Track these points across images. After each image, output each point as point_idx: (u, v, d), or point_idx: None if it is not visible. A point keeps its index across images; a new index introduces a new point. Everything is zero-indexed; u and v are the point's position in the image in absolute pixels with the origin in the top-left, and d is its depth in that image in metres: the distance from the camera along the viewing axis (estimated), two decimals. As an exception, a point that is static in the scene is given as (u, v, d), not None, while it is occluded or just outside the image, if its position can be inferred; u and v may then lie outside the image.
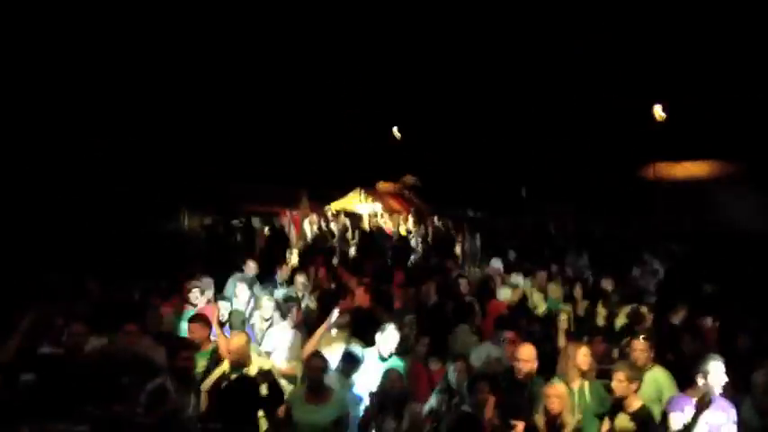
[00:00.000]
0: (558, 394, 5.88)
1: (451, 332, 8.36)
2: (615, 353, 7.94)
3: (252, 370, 6.65)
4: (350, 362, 6.79)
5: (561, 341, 8.05)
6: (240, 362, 6.61)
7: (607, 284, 11.04)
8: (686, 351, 7.56)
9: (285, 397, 6.41)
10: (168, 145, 20.35)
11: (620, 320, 9.21)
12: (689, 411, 5.73)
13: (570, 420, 5.83)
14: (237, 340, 6.75)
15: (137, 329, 7.10)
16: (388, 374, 6.21)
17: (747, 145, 18.66)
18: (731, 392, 6.10)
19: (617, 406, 5.99)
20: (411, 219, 27.11)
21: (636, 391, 5.97)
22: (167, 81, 19.82)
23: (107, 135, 17.82)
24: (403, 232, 24.73)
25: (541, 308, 10.29)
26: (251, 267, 11.14)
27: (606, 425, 6.00)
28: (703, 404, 5.62)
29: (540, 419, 5.91)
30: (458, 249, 19.78)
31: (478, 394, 6.02)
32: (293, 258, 14.82)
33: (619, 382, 5.92)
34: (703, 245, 16.67)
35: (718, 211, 18.46)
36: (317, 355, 6.41)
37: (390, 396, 6.01)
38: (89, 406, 5.97)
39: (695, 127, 20.85)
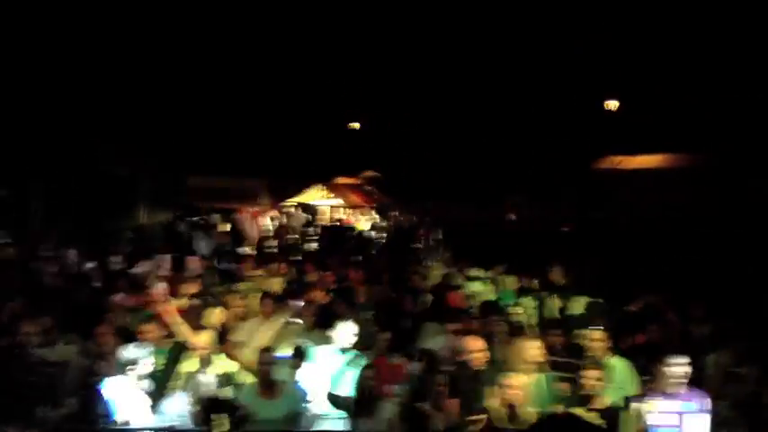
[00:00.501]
0: (516, 385, 5.92)
1: (413, 327, 8.39)
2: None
3: (219, 369, 6.66)
4: (298, 356, 6.82)
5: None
6: (209, 359, 6.64)
7: (558, 275, 11.11)
8: (649, 340, 7.62)
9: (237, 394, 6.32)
10: (126, 139, 20.04)
11: (578, 311, 9.23)
12: (655, 402, 5.75)
13: (528, 412, 5.86)
14: (207, 337, 6.76)
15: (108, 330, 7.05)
16: (364, 372, 6.20)
17: (701, 137, 19.02)
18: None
19: (579, 401, 6.01)
20: (372, 213, 27.20)
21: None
22: (124, 73, 19.48)
23: (61, 129, 17.44)
24: (365, 226, 24.80)
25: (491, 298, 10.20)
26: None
27: None
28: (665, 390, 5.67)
29: (499, 411, 5.94)
30: (420, 243, 19.89)
31: (436, 388, 6.01)
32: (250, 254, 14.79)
33: (589, 379, 5.96)
34: (658, 235, 16.98)
35: (671, 202, 18.81)
36: (266, 350, 6.41)
37: (365, 395, 6.03)
38: (39, 409, 5.92)
39: (649, 120, 21.21)
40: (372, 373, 6.14)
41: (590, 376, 5.94)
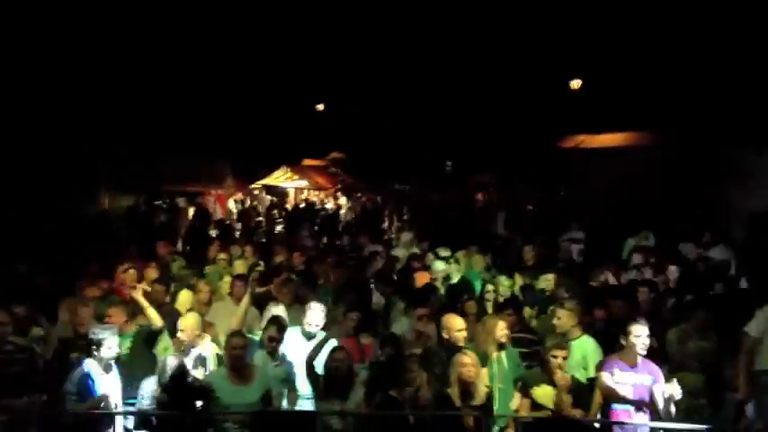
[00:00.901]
0: (470, 363, 5.96)
1: (383, 308, 8.44)
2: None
3: (199, 351, 6.71)
4: (280, 329, 6.76)
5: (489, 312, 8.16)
6: (191, 343, 6.66)
7: (529, 254, 11.23)
8: (615, 314, 7.74)
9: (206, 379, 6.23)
10: (87, 121, 19.65)
11: (545, 287, 9.29)
12: (618, 373, 5.89)
13: (483, 389, 5.91)
14: (191, 320, 6.79)
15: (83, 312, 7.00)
16: (333, 354, 6.14)
17: (663, 115, 19.23)
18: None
19: (544, 378, 6.09)
20: (338, 194, 27.17)
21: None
22: (85, 54, 19.07)
23: (19, 111, 17.05)
24: (330, 207, 24.78)
25: (455, 278, 10.27)
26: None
27: (517, 398, 6.17)
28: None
29: (453, 389, 5.97)
30: (386, 223, 19.91)
31: (408, 373, 5.99)
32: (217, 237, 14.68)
33: (555, 358, 6.04)
34: (621, 212, 17.21)
35: (635, 179, 19.05)
36: (236, 333, 6.31)
37: (337, 375, 5.99)
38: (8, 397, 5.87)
39: (612, 98, 21.42)
40: (343, 355, 6.10)
41: (556, 354, 6.03)
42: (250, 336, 6.95)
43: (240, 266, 9.99)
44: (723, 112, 17.28)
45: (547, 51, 23.15)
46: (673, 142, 18.68)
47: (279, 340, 6.67)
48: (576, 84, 22.54)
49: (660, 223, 14.62)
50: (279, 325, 6.76)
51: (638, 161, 19.27)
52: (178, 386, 5.80)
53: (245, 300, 7.27)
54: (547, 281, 9.21)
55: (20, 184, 16.40)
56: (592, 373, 6.44)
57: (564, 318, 6.89)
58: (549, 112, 23.73)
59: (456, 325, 6.73)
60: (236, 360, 5.96)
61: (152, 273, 8.97)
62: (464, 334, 6.72)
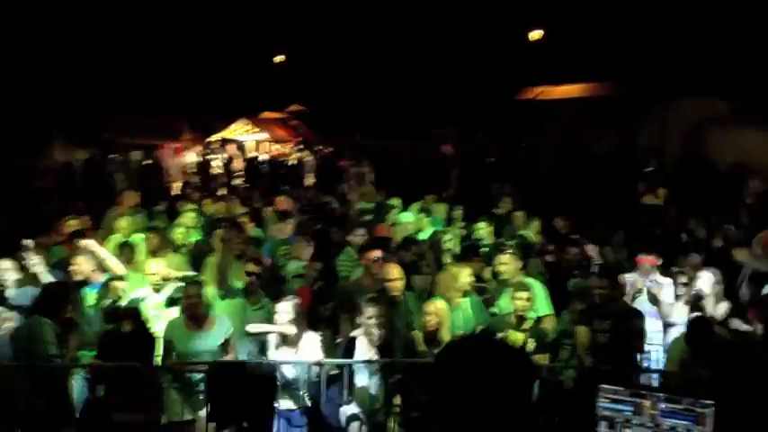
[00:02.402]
0: (435, 311, 6.03)
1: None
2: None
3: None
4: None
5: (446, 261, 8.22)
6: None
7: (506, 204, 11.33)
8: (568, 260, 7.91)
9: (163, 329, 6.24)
10: (38, 73, 19.11)
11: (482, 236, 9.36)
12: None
13: (447, 336, 5.98)
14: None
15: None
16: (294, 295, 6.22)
17: (626, 67, 19.32)
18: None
19: (509, 322, 6.19)
20: (299, 147, 26.93)
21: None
22: (42, 9, 18.48)
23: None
24: (292, 160, 24.63)
25: (428, 230, 10.32)
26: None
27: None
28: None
29: (417, 335, 6.06)
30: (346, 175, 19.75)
31: (366, 316, 6.02)
32: (175, 190, 14.49)
33: (520, 300, 6.13)
34: (580, 164, 17.38)
35: (595, 131, 19.20)
36: (192, 282, 6.35)
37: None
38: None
39: (571, 50, 21.45)
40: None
41: (519, 297, 6.12)
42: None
43: (194, 220, 9.84)
44: (677, 63, 17.46)
45: (506, 2, 23.03)
46: (629, 93, 18.83)
47: (258, 274, 6.76)
48: (535, 35, 22.48)
49: (615, 173, 14.84)
50: (255, 260, 6.93)
51: (597, 112, 19.43)
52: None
53: (221, 249, 7.21)
54: (481, 229, 9.29)
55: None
56: (542, 313, 6.57)
57: (509, 263, 6.97)
58: (509, 64, 23.69)
59: (390, 274, 6.71)
60: (191, 308, 6.04)
61: (123, 223, 8.86)
62: (400, 284, 6.68)
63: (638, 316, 6.16)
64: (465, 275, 6.80)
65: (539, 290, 6.78)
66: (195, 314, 6.04)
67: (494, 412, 1.91)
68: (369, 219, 10.52)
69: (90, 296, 6.64)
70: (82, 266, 6.83)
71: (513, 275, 6.92)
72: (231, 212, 10.60)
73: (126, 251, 7.67)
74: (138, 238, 8.40)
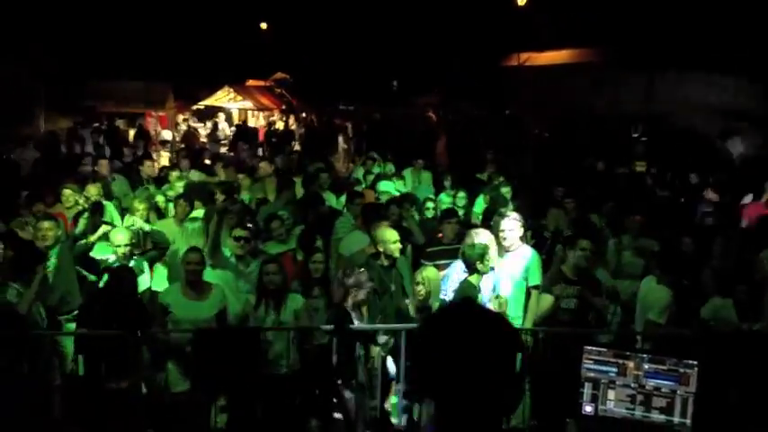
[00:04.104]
0: (423, 280, 6.03)
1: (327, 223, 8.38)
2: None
3: None
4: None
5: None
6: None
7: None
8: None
9: (159, 297, 6.22)
10: (20, 40, 18.79)
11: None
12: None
13: (436, 304, 5.97)
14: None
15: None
16: (266, 267, 6.10)
17: (606, 32, 19.24)
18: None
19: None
20: (283, 115, 26.80)
21: None
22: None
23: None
24: (278, 126, 24.56)
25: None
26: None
27: None
28: None
29: (410, 302, 6.08)
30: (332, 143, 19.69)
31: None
32: (162, 158, 14.38)
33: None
34: (565, 129, 17.40)
35: (579, 96, 19.20)
36: (193, 249, 6.27)
37: (269, 288, 6.00)
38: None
39: (557, 16, 21.36)
40: (274, 268, 6.09)
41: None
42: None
43: (179, 187, 9.76)
44: (663, 30, 17.44)
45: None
46: (614, 59, 18.82)
47: (247, 239, 6.73)
48: (520, 1, 22.32)
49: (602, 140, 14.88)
50: (242, 225, 6.88)
51: (580, 77, 19.43)
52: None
53: (215, 220, 7.12)
54: (463, 198, 9.27)
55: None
56: (533, 282, 6.55)
57: (514, 229, 6.81)
58: (494, 30, 23.58)
59: (387, 236, 6.68)
60: (191, 275, 5.98)
61: (93, 190, 8.77)
62: (398, 246, 6.67)
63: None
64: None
65: (534, 259, 6.74)
66: (193, 281, 5.98)
67: (477, 379, 1.94)
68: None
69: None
70: (51, 232, 6.73)
71: (512, 242, 6.74)
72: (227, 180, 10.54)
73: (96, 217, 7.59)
74: (109, 205, 8.36)
